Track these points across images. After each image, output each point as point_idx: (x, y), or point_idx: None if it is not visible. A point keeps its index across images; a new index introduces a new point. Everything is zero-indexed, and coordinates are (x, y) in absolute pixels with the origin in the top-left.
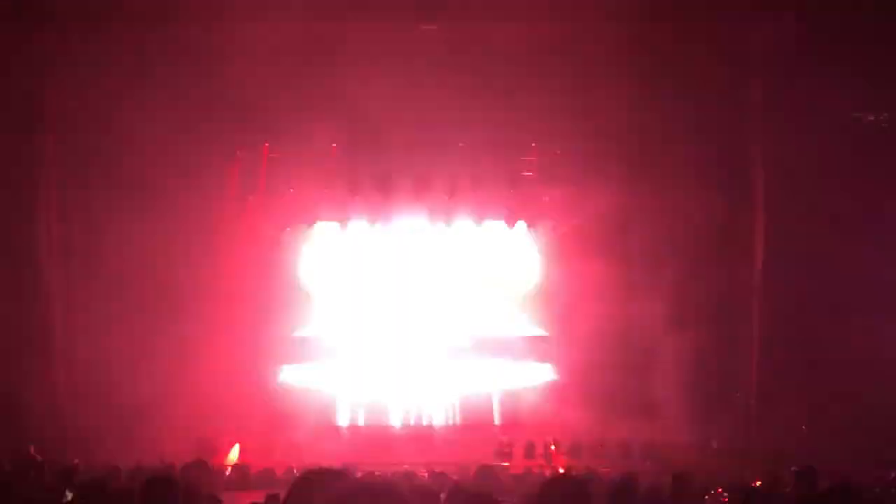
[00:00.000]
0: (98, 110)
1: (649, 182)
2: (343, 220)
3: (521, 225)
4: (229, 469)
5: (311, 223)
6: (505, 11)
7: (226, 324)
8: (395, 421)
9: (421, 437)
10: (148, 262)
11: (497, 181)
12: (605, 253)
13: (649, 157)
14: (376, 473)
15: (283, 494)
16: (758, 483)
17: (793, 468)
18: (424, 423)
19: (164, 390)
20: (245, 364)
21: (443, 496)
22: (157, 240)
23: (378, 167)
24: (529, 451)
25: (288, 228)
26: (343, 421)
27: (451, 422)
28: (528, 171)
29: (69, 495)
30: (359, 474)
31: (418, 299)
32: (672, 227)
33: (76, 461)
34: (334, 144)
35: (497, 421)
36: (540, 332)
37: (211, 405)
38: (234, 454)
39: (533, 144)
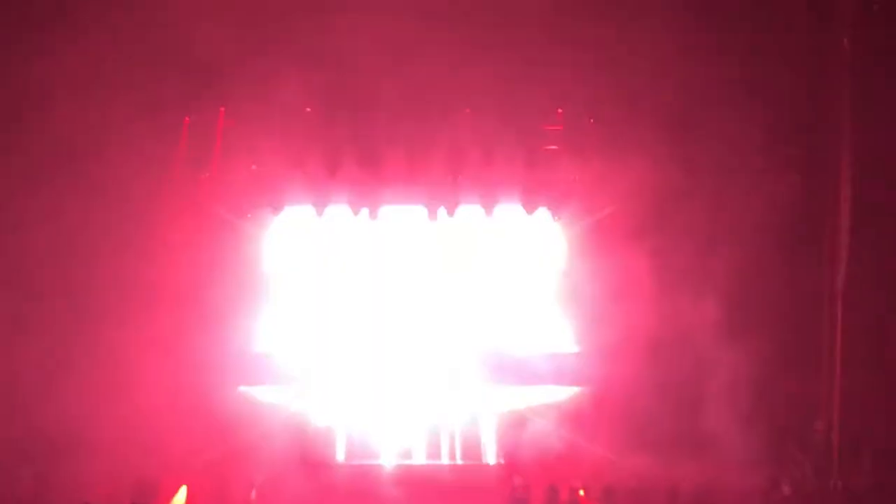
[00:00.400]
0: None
1: (702, 157)
2: (319, 205)
3: (543, 211)
4: None
5: (278, 208)
6: None
7: (170, 334)
8: (384, 458)
9: (416, 478)
10: (70, 254)
11: (513, 156)
12: (647, 245)
13: (703, 126)
14: None
15: None
16: None
17: None
18: (420, 461)
19: (91, 417)
20: (194, 385)
21: None
22: (83, 228)
23: (363, 138)
24: (551, 496)
25: (249, 215)
26: (317, 458)
27: (453, 460)
28: (552, 143)
29: None
30: None
31: (414, 306)
32: (730, 213)
33: None
34: (308, 109)
35: (510, 459)
36: (564, 346)
37: (151, 435)
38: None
39: (558, 110)
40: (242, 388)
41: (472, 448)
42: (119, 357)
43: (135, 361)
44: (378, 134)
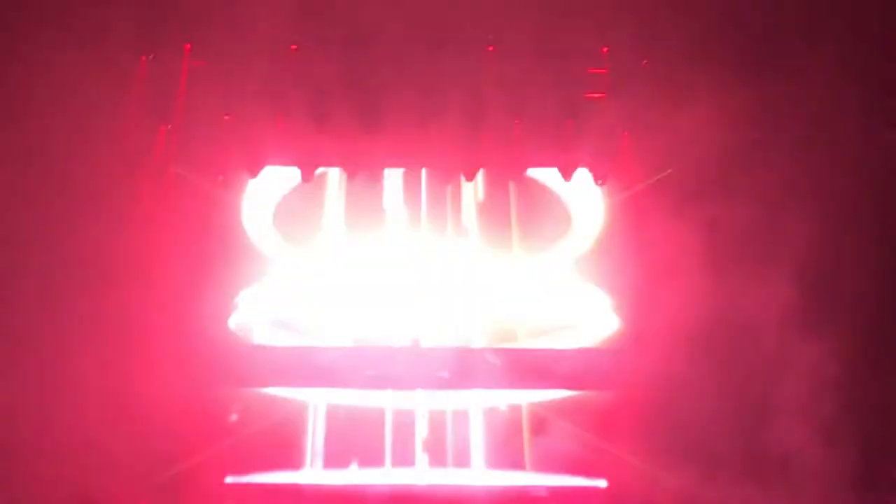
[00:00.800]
0: None
1: (780, 107)
2: (306, 166)
3: (583, 174)
4: None
5: (256, 169)
6: None
7: (122, 324)
8: (389, 476)
9: (418, 498)
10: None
11: (547, 106)
12: (707, 214)
13: (781, 69)
14: None
15: None
16: None
17: None
18: (424, 477)
19: (25, 426)
20: (153, 385)
21: None
22: (12, 193)
23: (361, 83)
24: None
25: (220, 177)
26: (310, 475)
27: (472, 482)
28: (595, 90)
29: None
30: None
31: (419, 293)
32: (813, 177)
33: None
34: (293, 46)
35: (542, 482)
36: (601, 339)
37: (99, 448)
38: None
39: (603, 49)
40: (212, 388)
41: (495, 467)
42: (58, 351)
43: (78, 357)
44: (379, 77)
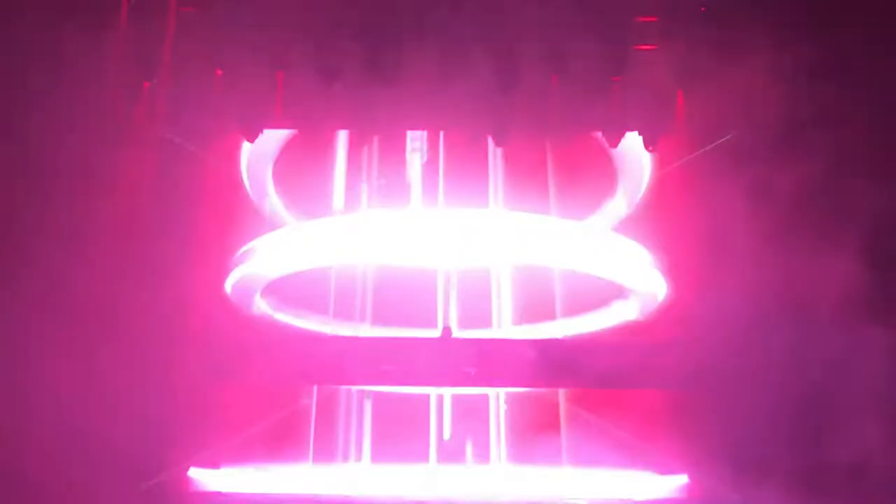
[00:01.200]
0: None
1: (858, 63)
2: (310, 128)
3: (633, 138)
4: None
5: (253, 132)
6: None
7: (100, 308)
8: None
9: None
10: None
11: (590, 61)
12: (770, 183)
13: (860, 19)
14: None
15: None
16: None
17: None
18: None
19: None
20: (128, 389)
21: None
22: None
23: (374, 31)
24: None
25: (212, 140)
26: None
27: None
28: (647, 42)
29: None
30: None
31: (442, 277)
32: (888, 140)
33: None
34: None
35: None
36: (651, 314)
37: (96, 445)
38: None
39: None
40: (208, 383)
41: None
42: (23, 348)
43: (46, 352)
44: (396, 25)
